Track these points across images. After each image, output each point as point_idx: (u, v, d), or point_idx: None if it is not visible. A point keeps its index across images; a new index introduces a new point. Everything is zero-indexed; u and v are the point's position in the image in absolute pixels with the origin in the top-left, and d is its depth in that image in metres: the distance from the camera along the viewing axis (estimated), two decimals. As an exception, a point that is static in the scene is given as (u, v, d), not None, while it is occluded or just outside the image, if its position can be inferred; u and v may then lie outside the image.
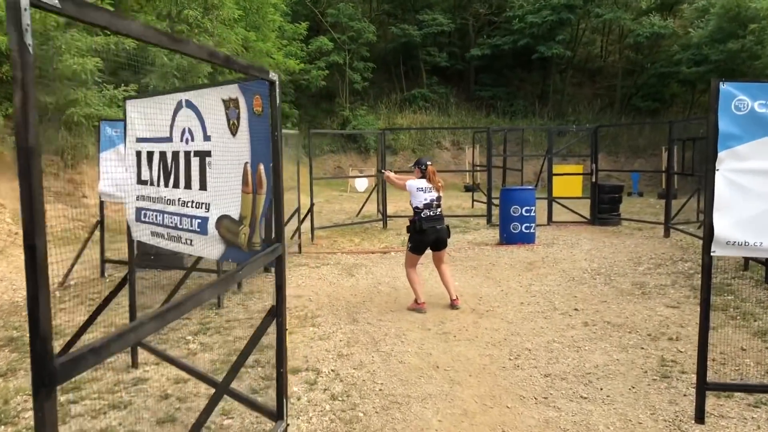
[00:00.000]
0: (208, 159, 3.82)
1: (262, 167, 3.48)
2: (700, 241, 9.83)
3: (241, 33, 18.46)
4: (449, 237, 6.93)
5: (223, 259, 3.95)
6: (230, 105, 3.60)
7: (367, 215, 14.77)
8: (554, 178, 13.61)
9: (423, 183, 6.72)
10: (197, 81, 14.98)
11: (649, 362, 4.94)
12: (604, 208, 13.20)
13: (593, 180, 13.21)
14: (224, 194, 3.73)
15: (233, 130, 3.61)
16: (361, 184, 22.10)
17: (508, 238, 10.71)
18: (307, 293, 7.38)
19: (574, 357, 5.08)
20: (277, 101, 3.38)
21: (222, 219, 3.74)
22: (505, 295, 7.23)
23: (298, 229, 10.65)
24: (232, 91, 3.58)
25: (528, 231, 10.66)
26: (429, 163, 6.85)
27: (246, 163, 3.56)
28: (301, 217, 11.34)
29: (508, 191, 11.04)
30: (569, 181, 19.53)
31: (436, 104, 29.60)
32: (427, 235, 6.64)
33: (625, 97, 29.92)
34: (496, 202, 12.93)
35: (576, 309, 6.54)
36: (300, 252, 10.34)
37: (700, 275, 7.82)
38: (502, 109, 29.47)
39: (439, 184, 6.82)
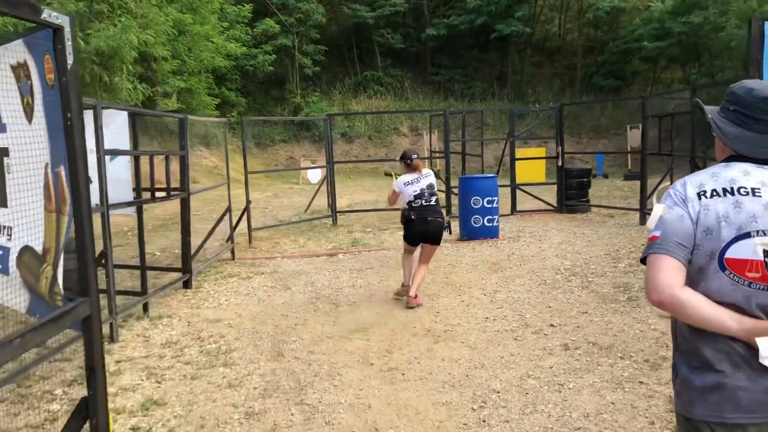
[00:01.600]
0: (5, 160, 2.51)
1: (63, 172, 2.17)
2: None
3: (174, 14, 16.88)
4: (449, 232, 6.73)
5: (31, 314, 2.61)
6: (21, 74, 2.28)
7: (318, 210, 13.47)
8: (517, 163, 12.48)
9: (407, 177, 6.41)
10: None
11: (654, 405, 3.78)
12: (571, 194, 12.14)
13: (559, 164, 12.13)
14: (31, 214, 2.42)
15: (28, 113, 2.29)
16: (314, 175, 20.73)
17: (469, 233, 9.53)
18: (228, 316, 6.07)
19: (557, 401, 3.89)
20: (69, 60, 2.05)
21: (24, 252, 2.43)
22: (466, 308, 6.03)
23: (231, 231, 9.29)
24: (19, 51, 2.25)
25: (491, 224, 9.49)
26: (415, 156, 6.55)
27: (46, 164, 2.25)
28: (239, 216, 10.00)
29: (467, 180, 9.86)
30: (532, 166, 18.42)
31: (391, 89, 28.31)
32: (416, 225, 6.30)
33: (585, 76, 29.04)
34: (457, 190, 11.78)
35: (552, 325, 5.37)
36: (233, 259, 9.00)
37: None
38: (460, 91, 28.34)
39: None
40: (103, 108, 5.52)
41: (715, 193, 1.77)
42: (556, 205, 12.27)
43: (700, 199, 1.77)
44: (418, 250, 6.49)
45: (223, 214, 9.17)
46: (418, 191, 6.31)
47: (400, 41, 28.84)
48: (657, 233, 1.79)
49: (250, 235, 10.22)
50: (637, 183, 19.54)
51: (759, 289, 1.71)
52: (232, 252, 9.11)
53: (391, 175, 8.12)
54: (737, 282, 1.72)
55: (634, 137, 21.18)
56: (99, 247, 6.74)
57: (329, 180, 12.02)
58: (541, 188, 13.19)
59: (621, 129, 26.28)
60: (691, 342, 1.80)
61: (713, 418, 1.75)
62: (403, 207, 6.43)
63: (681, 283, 1.73)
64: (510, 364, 4.55)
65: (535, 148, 21.96)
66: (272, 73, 26.86)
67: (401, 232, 10.95)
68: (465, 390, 4.12)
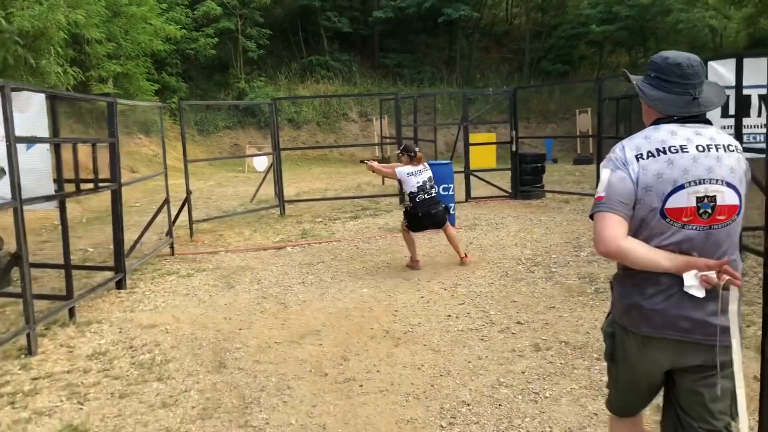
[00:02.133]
0: None
1: None
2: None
3: (107, -6, 15.88)
4: (448, 215, 7.14)
5: None
6: None
7: (264, 200, 12.88)
8: (469, 148, 12.13)
9: (411, 168, 6.92)
10: None
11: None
12: (526, 179, 11.87)
13: (513, 149, 11.83)
14: None
15: None
16: (261, 163, 20.01)
17: (424, 223, 9.14)
18: (165, 320, 5.50)
19: (534, 414, 3.50)
20: None
21: None
22: (426, 304, 5.61)
23: (169, 225, 8.64)
24: None
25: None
26: (417, 149, 7.16)
27: None
28: (179, 208, 9.34)
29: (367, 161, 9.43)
30: (483, 152, 18.16)
31: (339, 73, 27.68)
32: (422, 219, 6.85)
33: (533, 61, 29.00)
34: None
35: (519, 322, 5.00)
36: (173, 254, 8.38)
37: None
38: (409, 76, 27.91)
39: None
40: (14, 90, 4.85)
41: (650, 155, 2.05)
42: (510, 191, 11.98)
43: (638, 161, 2.05)
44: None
45: (161, 207, 8.51)
46: (421, 183, 6.82)
47: (347, 25, 28.18)
48: (603, 194, 2.08)
49: (191, 228, 9.58)
50: (587, 167, 19.65)
51: (692, 230, 2.03)
52: (172, 247, 8.48)
53: (365, 162, 7.74)
54: (675, 226, 2.03)
55: (583, 121, 21.19)
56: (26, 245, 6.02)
57: (276, 168, 11.43)
58: (493, 174, 12.90)
59: (569, 113, 26.34)
60: (629, 268, 2.11)
61: (632, 328, 2.16)
62: (406, 205, 7.08)
63: (624, 235, 2.04)
64: (478, 369, 4.15)
65: (485, 133, 21.80)
66: (215, 58, 25.88)
67: (353, 222, 10.57)
68: (431, 403, 3.69)
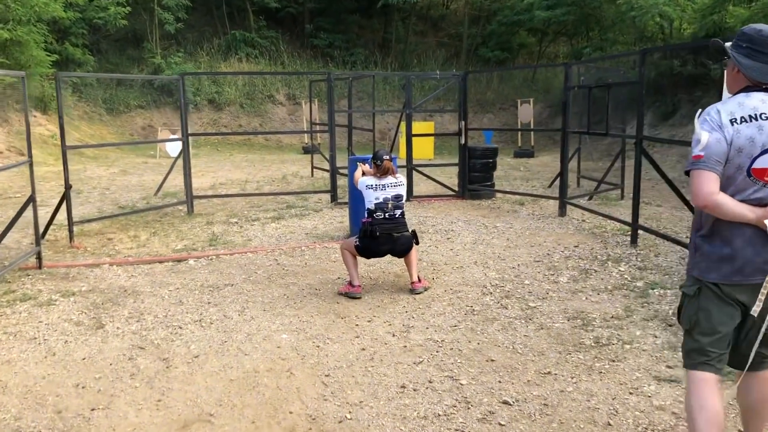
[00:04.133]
0: None
1: None
2: (612, 224, 7.24)
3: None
4: (416, 243, 5.57)
5: None
6: None
7: (173, 193, 10.98)
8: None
9: (372, 180, 5.49)
10: None
11: None
12: (475, 176, 10.43)
13: (462, 141, 10.37)
14: None
15: None
16: (174, 148, 17.90)
17: (361, 231, 7.53)
18: (-16, 389, 3.71)
19: None
20: None
21: None
22: (370, 363, 4.02)
23: (36, 231, 6.70)
24: None
25: (389, 218, 7.53)
26: (386, 157, 5.55)
27: None
28: (56, 206, 7.40)
29: (359, 162, 7.79)
30: (421, 143, 16.73)
31: (266, 52, 25.59)
32: (378, 242, 5.34)
33: (471, 47, 27.75)
34: (343, 171, 9.75)
35: (506, 402, 3.48)
36: (40, 267, 6.48)
37: (656, 289, 5.11)
38: (341, 58, 26.13)
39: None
40: None
41: (743, 120, 2.32)
42: (457, 189, 10.53)
43: (732, 125, 2.31)
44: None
45: (23, 207, 6.56)
46: (381, 200, 5.40)
47: (275, 0, 26.09)
48: (702, 153, 2.33)
49: (71, 231, 7.65)
50: (530, 160, 18.53)
51: None
52: (39, 258, 6.56)
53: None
54: (757, 184, 2.34)
55: (525, 112, 20.05)
56: None
57: (185, 156, 9.56)
58: (434, 169, 11.46)
59: (506, 103, 25.27)
60: (715, 226, 2.42)
61: (723, 280, 2.41)
62: (363, 219, 5.45)
63: (717, 190, 2.33)
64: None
65: (422, 122, 20.35)
66: (128, 30, 23.39)
67: (275, 224, 8.87)
68: None
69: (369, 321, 4.74)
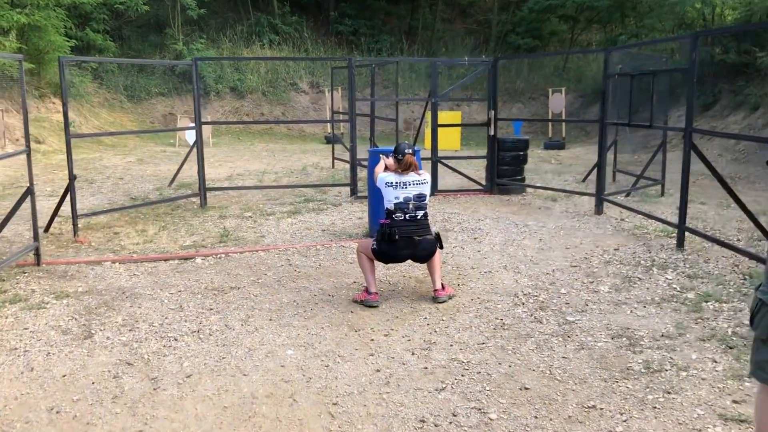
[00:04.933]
0: None
1: None
2: (654, 224, 6.58)
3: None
4: (440, 247, 4.97)
5: None
6: None
7: (188, 183, 10.58)
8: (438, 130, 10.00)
9: (392, 177, 4.93)
10: None
11: None
12: (504, 170, 9.83)
13: (491, 132, 9.76)
14: None
15: None
16: (194, 136, 17.50)
17: (382, 229, 7.00)
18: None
19: None
20: None
21: None
22: (385, 389, 3.49)
23: (34, 225, 6.27)
24: None
25: (412, 215, 6.98)
26: (409, 151, 4.97)
27: None
28: (60, 198, 6.99)
29: (379, 156, 7.24)
30: (447, 133, 16.07)
31: (289, 39, 25.07)
32: (397, 247, 4.80)
33: (501, 34, 26.95)
34: (365, 163, 9.21)
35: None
36: (38, 264, 6.06)
37: (710, 303, 4.51)
38: (366, 45, 25.52)
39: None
40: None
41: None
42: (485, 183, 9.94)
43: None
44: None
45: (21, 199, 6.14)
46: (401, 200, 4.84)
47: (300, -15, 25.58)
48: None
49: (75, 225, 7.23)
50: (561, 152, 17.79)
51: None
52: (37, 254, 6.15)
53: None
54: None
55: (556, 102, 19.30)
56: None
57: (198, 146, 9.11)
58: (460, 161, 10.87)
59: (537, 92, 24.48)
60: None
61: None
62: (382, 221, 4.93)
63: None
64: None
65: (448, 111, 19.69)
66: (150, 15, 23.05)
67: (291, 219, 8.39)
68: None
69: (386, 335, 4.22)
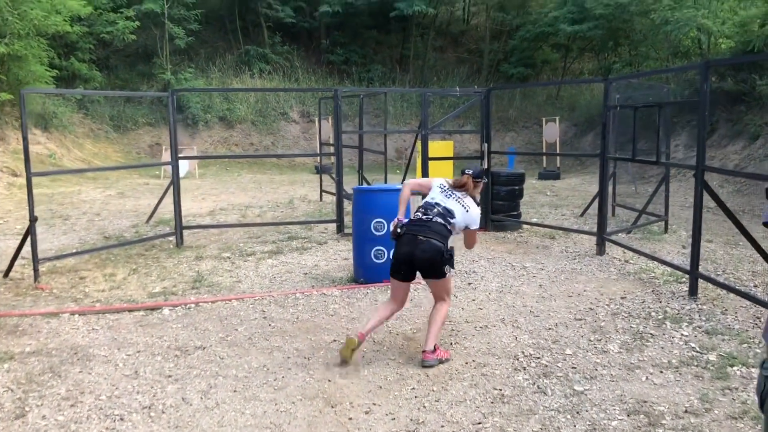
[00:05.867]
0: None
1: None
2: (661, 267, 6.06)
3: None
4: (450, 267, 4.44)
5: None
6: None
7: (168, 220, 10.01)
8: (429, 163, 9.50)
9: (445, 183, 4.71)
10: None
11: None
12: (499, 205, 9.34)
13: (485, 166, 9.28)
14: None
15: None
16: (181, 169, 17.00)
17: (368, 274, 6.42)
18: None
19: None
20: None
21: None
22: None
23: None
24: None
25: (400, 259, 6.43)
26: (469, 172, 4.69)
27: None
28: (21, 241, 6.43)
29: (365, 194, 6.70)
30: (439, 164, 15.59)
31: (280, 68, 24.75)
32: (401, 243, 4.46)
33: (493, 63, 26.71)
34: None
35: None
36: (-14, 316, 5.48)
37: (735, 367, 3.96)
38: (357, 75, 25.23)
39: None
40: None
41: None
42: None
43: None
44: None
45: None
46: (432, 201, 4.60)
47: (291, 15, 25.28)
48: None
49: (35, 270, 6.66)
50: (556, 183, 17.33)
51: None
52: (-13, 305, 5.57)
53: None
54: None
55: (550, 131, 18.91)
56: None
57: (174, 183, 8.57)
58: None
59: (530, 121, 24.15)
60: None
61: None
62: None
63: None
64: None
65: (440, 141, 19.25)
66: (138, 44, 22.74)
67: (272, 260, 7.82)
68: None
69: (367, 412, 3.65)
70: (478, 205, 4.73)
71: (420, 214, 4.50)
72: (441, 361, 4.31)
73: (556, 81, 24.70)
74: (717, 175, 13.34)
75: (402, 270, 4.45)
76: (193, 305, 5.82)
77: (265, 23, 25.27)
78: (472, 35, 29.53)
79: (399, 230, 4.46)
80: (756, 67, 13.56)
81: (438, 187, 4.68)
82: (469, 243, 4.85)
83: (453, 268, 4.51)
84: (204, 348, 4.72)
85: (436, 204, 4.53)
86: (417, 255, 4.33)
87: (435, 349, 4.35)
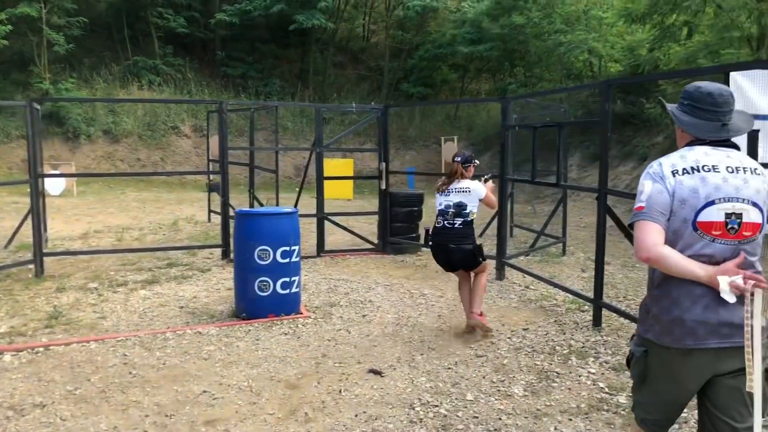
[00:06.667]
0: None
1: None
2: (564, 295, 5.82)
3: None
4: (481, 258, 5.07)
5: None
6: None
7: (28, 244, 8.86)
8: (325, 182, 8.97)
9: (443, 184, 5.19)
10: None
11: None
12: (398, 227, 8.92)
13: (383, 186, 8.85)
14: None
15: None
16: (57, 186, 15.63)
17: (251, 308, 5.74)
18: None
19: None
20: None
21: None
22: None
23: None
24: None
25: (288, 291, 5.78)
26: (458, 159, 5.19)
27: None
28: None
29: (247, 218, 6.00)
30: (338, 182, 15.15)
31: (171, 80, 23.56)
32: (436, 252, 5.18)
33: (393, 82, 26.62)
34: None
35: None
36: None
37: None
38: (254, 89, 24.43)
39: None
40: None
41: (685, 171, 2.18)
42: (377, 242, 8.97)
43: (674, 176, 2.19)
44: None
45: None
46: (443, 206, 5.12)
47: (183, 25, 24.19)
48: (643, 204, 2.20)
49: None
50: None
51: (721, 243, 2.14)
52: None
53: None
54: (705, 239, 2.14)
55: (448, 150, 18.90)
56: None
57: (33, 205, 7.57)
58: (348, 218, 9.91)
59: (429, 140, 24.17)
60: (663, 287, 2.23)
61: (675, 344, 2.16)
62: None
63: (662, 242, 2.16)
64: None
65: (341, 159, 18.80)
66: (13, 51, 20.97)
67: (145, 291, 6.96)
68: None
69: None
70: (466, 174, 5.14)
71: (442, 221, 5.05)
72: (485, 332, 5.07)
73: (455, 100, 24.89)
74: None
75: (447, 269, 5.30)
76: (41, 349, 4.96)
77: (155, 33, 24.05)
78: (372, 52, 29.41)
79: (430, 242, 5.19)
80: (644, 90, 13.97)
81: (437, 193, 5.18)
82: (490, 206, 5.34)
83: (484, 259, 5.11)
84: (44, 406, 3.91)
85: (447, 207, 5.03)
86: (453, 260, 5.06)
87: (481, 314, 5.07)
